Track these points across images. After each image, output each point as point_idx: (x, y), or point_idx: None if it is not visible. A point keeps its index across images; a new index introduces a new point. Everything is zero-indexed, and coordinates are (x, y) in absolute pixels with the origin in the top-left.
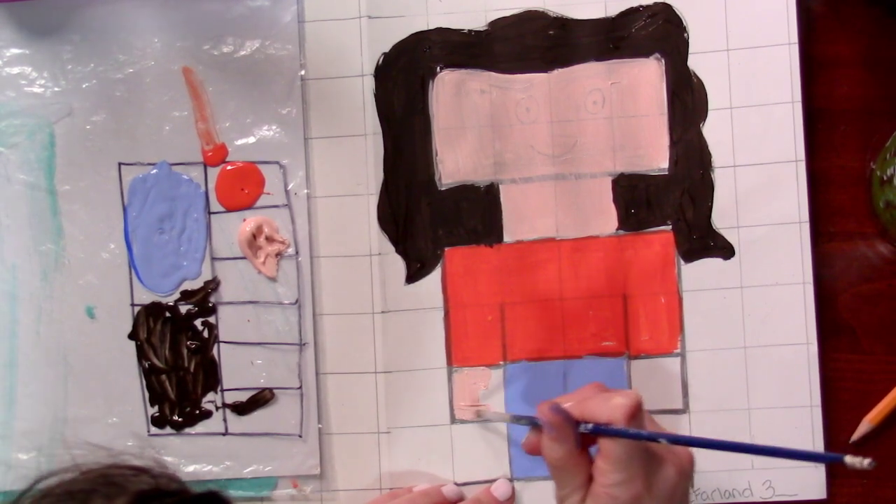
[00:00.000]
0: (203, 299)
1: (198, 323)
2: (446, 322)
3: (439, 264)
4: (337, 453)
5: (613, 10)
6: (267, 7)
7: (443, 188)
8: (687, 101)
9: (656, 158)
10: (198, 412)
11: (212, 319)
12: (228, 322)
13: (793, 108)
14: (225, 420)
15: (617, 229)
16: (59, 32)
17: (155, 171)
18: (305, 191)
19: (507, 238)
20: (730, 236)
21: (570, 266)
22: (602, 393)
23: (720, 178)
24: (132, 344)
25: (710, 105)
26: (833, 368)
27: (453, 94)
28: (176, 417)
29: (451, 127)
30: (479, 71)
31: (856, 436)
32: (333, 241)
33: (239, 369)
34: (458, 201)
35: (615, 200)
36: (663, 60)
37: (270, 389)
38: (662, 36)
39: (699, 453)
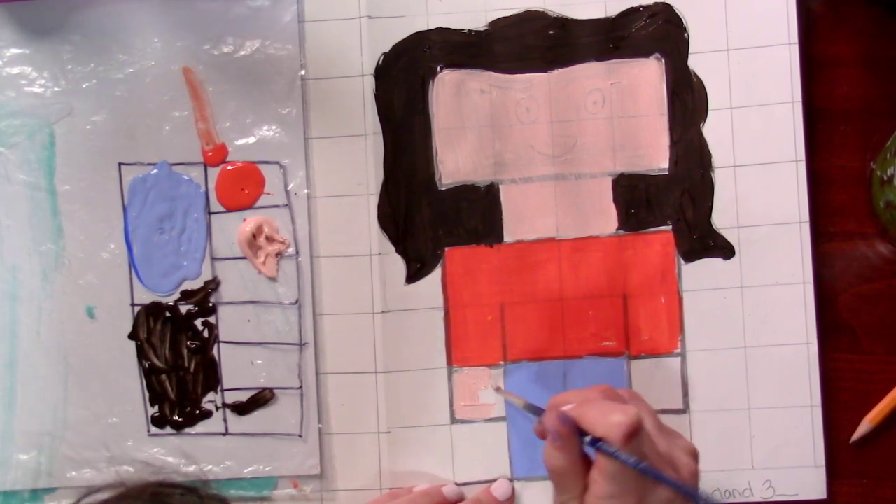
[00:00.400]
0: (203, 299)
1: (198, 323)
2: (446, 322)
3: (439, 264)
4: (337, 453)
5: (613, 10)
6: (267, 7)
7: (443, 188)
8: (687, 101)
9: (656, 158)
10: (198, 412)
11: (212, 319)
12: (228, 322)
13: (793, 108)
14: (225, 420)
15: (617, 229)
16: (60, 32)
17: (155, 171)
18: (305, 191)
19: (507, 238)
20: (730, 236)
21: (570, 266)
22: (603, 402)
23: (720, 178)
24: (132, 344)
25: (711, 105)
26: (833, 368)
27: (453, 94)
28: (176, 417)
29: (451, 127)
30: (479, 71)
31: (856, 436)
32: (333, 241)
33: (239, 369)
34: (458, 201)
35: (615, 200)
36: (663, 60)
37: (270, 389)
38: (662, 36)
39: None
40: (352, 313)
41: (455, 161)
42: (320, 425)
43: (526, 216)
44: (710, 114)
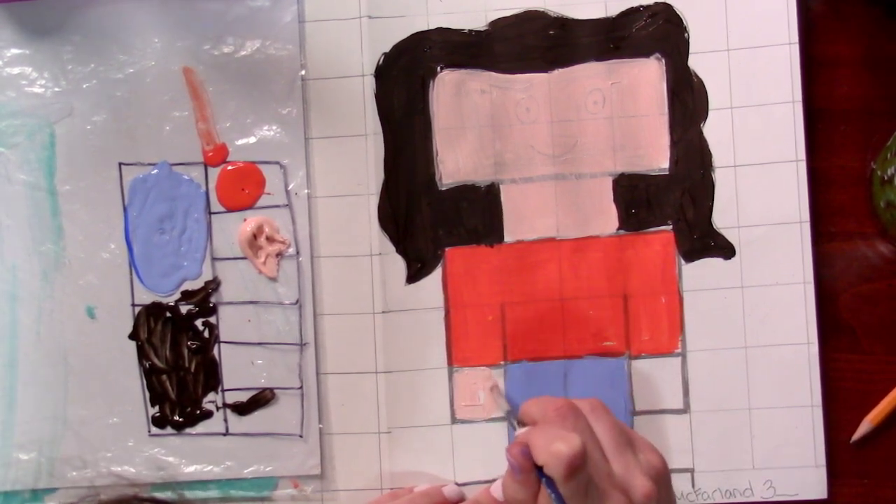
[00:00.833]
0: (203, 299)
1: (198, 323)
2: (447, 322)
3: (440, 264)
4: (337, 453)
5: (613, 10)
6: (267, 7)
7: (443, 188)
8: (687, 101)
9: (657, 158)
10: (198, 412)
11: (212, 319)
12: (229, 322)
13: (793, 108)
14: (225, 420)
15: (617, 229)
16: (60, 32)
17: (155, 171)
18: (306, 191)
19: (507, 238)
20: (730, 236)
21: (570, 266)
22: (549, 428)
23: (720, 178)
24: (132, 344)
25: (711, 105)
26: (833, 368)
27: (453, 94)
28: (176, 417)
29: (451, 127)
30: (479, 71)
31: (856, 436)
32: (334, 241)
33: (239, 369)
34: (459, 201)
35: (615, 200)
36: (663, 60)
37: (271, 389)
38: (663, 36)
39: (699, 453)
40: (352, 313)
41: (455, 161)
42: (321, 425)
43: (526, 216)
44: (711, 114)
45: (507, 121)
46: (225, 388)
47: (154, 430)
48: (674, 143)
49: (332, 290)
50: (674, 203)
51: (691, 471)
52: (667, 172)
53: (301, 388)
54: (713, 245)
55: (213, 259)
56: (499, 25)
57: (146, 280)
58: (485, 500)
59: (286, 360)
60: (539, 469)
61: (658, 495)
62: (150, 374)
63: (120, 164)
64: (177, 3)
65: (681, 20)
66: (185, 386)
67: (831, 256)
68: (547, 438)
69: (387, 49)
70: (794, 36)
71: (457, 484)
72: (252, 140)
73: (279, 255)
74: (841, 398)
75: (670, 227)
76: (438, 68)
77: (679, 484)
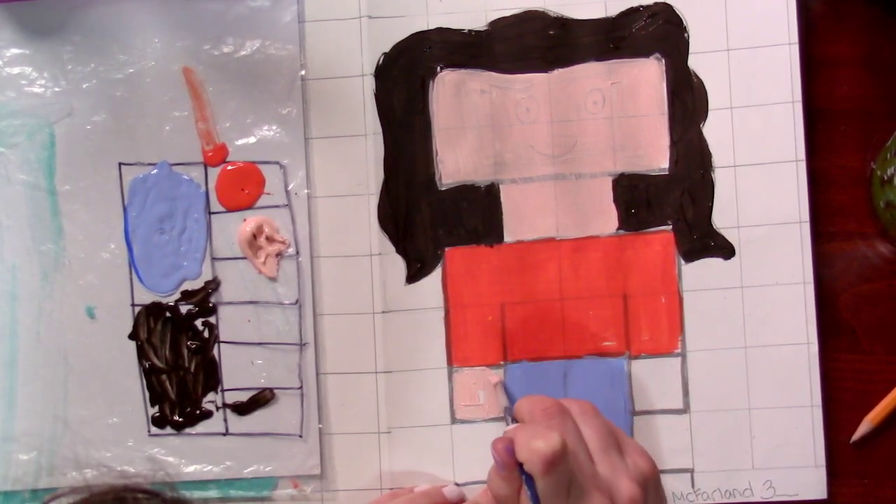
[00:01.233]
0: (203, 299)
1: (198, 323)
2: (446, 322)
3: (439, 264)
4: (337, 453)
5: (613, 10)
6: (267, 7)
7: (443, 188)
8: (687, 101)
9: (656, 158)
10: (198, 412)
11: (212, 319)
12: (229, 322)
13: (793, 108)
14: (225, 420)
15: (617, 229)
16: (60, 32)
17: (155, 171)
18: (306, 191)
19: (507, 238)
20: (730, 236)
21: (570, 266)
22: (534, 426)
23: (720, 178)
24: (132, 344)
25: (711, 105)
26: (833, 368)
27: (453, 94)
28: (176, 417)
29: (451, 127)
30: (479, 71)
31: (856, 436)
32: (333, 241)
33: (239, 369)
34: (458, 201)
35: (615, 200)
36: (663, 60)
37: (271, 389)
38: (662, 36)
39: (699, 453)
40: (352, 313)
41: (455, 161)
42: (320, 425)
43: (526, 216)
44: (710, 114)
45: (507, 121)
46: (225, 388)
47: (154, 430)
48: (674, 143)
49: (332, 290)
50: (674, 203)
51: (691, 471)
52: (667, 172)
53: (301, 388)
54: (713, 245)
55: (213, 259)
56: (499, 25)
57: (146, 280)
58: (484, 501)
59: (286, 360)
60: (521, 468)
61: (644, 499)
62: (150, 374)
63: (120, 164)
64: (177, 3)
65: (681, 20)
66: (185, 386)
67: (831, 256)
68: (528, 435)
69: (387, 49)
70: (794, 36)
71: (456, 484)
72: (252, 140)
73: (279, 255)
74: (841, 398)
75: (670, 227)
76: (438, 68)
77: (679, 484)
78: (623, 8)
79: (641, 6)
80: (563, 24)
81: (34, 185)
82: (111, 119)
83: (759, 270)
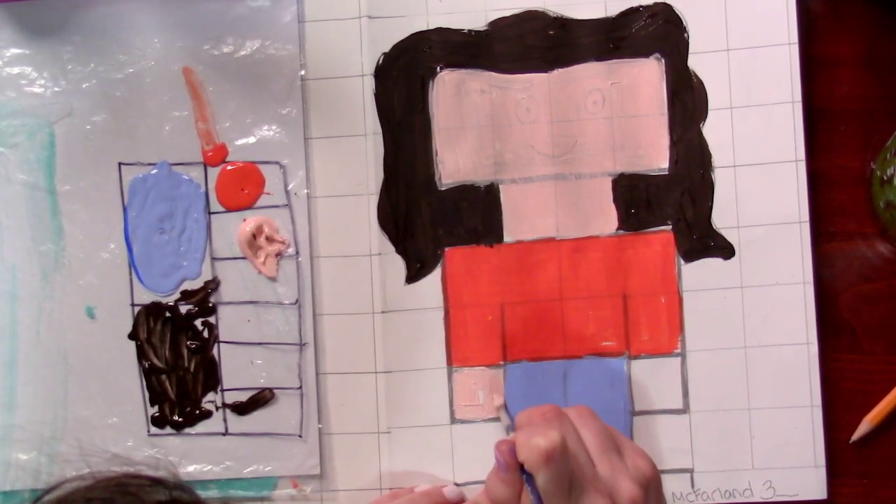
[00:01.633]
0: (203, 299)
1: (198, 323)
2: (446, 322)
3: (439, 264)
4: (337, 453)
5: (613, 10)
6: (267, 7)
7: (443, 188)
8: (687, 101)
9: (656, 158)
10: (198, 412)
11: (212, 319)
12: (228, 322)
13: (793, 108)
14: (225, 420)
15: (617, 229)
16: (60, 32)
17: (155, 171)
18: (305, 191)
19: (507, 238)
20: (730, 236)
21: (570, 266)
22: (532, 426)
23: (720, 178)
24: (132, 344)
25: (710, 105)
26: (833, 368)
27: (453, 94)
28: (176, 417)
29: (451, 127)
30: (479, 71)
31: (856, 436)
32: (333, 241)
33: (239, 369)
34: (458, 201)
35: (615, 200)
36: (663, 60)
37: (270, 389)
38: (662, 36)
39: (699, 453)
40: (352, 313)
41: (455, 161)
42: (320, 425)
43: (526, 216)
44: (710, 114)
45: (506, 121)
46: (224, 387)
47: (153, 429)
48: (673, 143)
49: (332, 290)
50: (673, 203)
51: (691, 471)
52: (666, 172)
53: (300, 388)
54: (713, 245)
55: (213, 259)
56: (499, 25)
57: (146, 280)
58: (484, 501)
59: (286, 360)
60: (523, 469)
61: (645, 500)
62: (150, 374)
63: (120, 164)
64: (177, 3)
65: (680, 20)
66: (185, 386)
67: (831, 256)
68: (528, 435)
69: (387, 49)
70: (794, 36)
71: (456, 484)
72: (252, 140)
73: (279, 255)
74: (841, 398)
75: (670, 227)
76: (438, 68)
77: (679, 484)
78: (623, 8)
79: (641, 6)
80: (563, 24)
81: (34, 185)
82: (111, 119)
83: (759, 270)
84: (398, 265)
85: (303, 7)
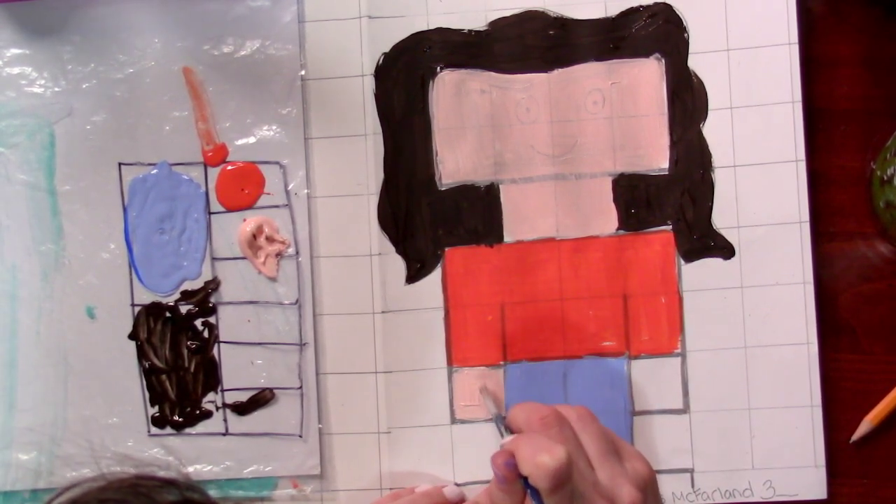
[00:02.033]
0: (203, 299)
1: (198, 323)
2: (446, 322)
3: (439, 264)
4: (337, 453)
5: (613, 10)
6: (267, 7)
7: (443, 188)
8: (687, 101)
9: (656, 158)
10: (198, 412)
11: (212, 319)
12: (228, 322)
13: (793, 108)
14: (225, 420)
15: (617, 229)
16: (60, 32)
17: (155, 171)
18: (305, 191)
19: (507, 238)
20: (730, 236)
21: (570, 266)
22: (537, 437)
23: (720, 178)
24: (132, 344)
25: (710, 105)
26: (833, 368)
27: (453, 94)
28: (176, 417)
29: (451, 127)
30: (479, 71)
31: (856, 436)
32: (333, 241)
33: (239, 369)
34: (458, 201)
35: (615, 200)
36: (663, 60)
37: (271, 389)
38: (662, 36)
39: (699, 453)
40: (352, 313)
41: (455, 161)
42: (320, 425)
43: (526, 216)
44: (710, 114)
45: (506, 121)
46: (224, 388)
47: (154, 430)
48: (673, 143)
49: (332, 290)
50: (673, 203)
51: (691, 471)
52: (666, 172)
53: (301, 388)
54: (713, 245)
55: (213, 259)
56: (499, 25)
57: (146, 280)
58: (485, 502)
59: (286, 360)
60: (524, 478)
61: (644, 503)
62: (150, 374)
63: (120, 164)
64: (177, 3)
65: (681, 20)
66: (185, 386)
67: (831, 256)
68: (532, 449)
69: (387, 49)
70: (794, 36)
71: (456, 484)
72: (252, 140)
73: (279, 255)
74: (841, 398)
75: (670, 227)
76: (438, 68)
77: (679, 484)
78: (623, 8)
79: (641, 6)
80: (563, 24)
81: (34, 185)
82: (111, 119)
83: (759, 270)
84: (398, 265)
85: (303, 7)
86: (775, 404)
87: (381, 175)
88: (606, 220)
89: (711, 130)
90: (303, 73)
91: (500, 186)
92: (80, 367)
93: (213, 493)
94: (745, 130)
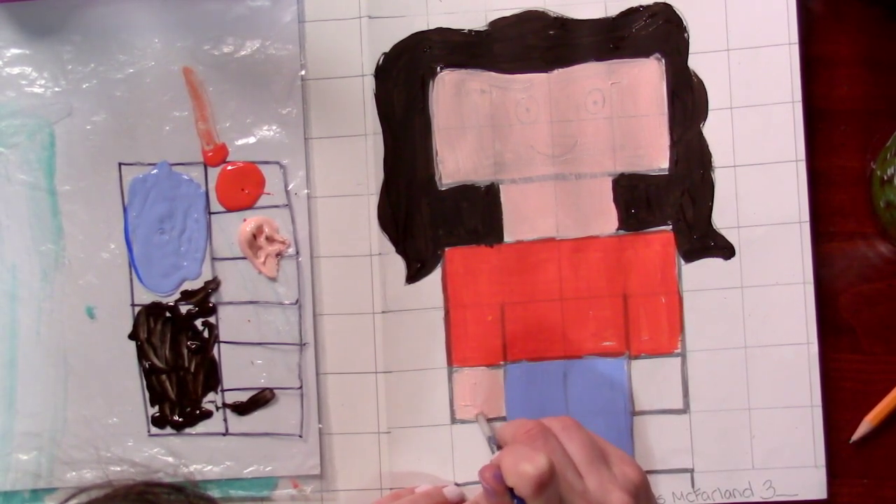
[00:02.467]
0: (203, 299)
1: (198, 323)
2: (446, 322)
3: (439, 264)
4: (337, 453)
5: (613, 10)
6: (267, 7)
7: (443, 188)
8: (687, 101)
9: (656, 158)
10: (198, 412)
11: (212, 319)
12: (229, 322)
13: (793, 108)
14: (225, 420)
15: (617, 229)
16: (60, 32)
17: (155, 171)
18: (305, 191)
19: (507, 238)
20: (730, 236)
21: (570, 266)
22: (519, 448)
23: (720, 178)
24: (132, 344)
25: (710, 105)
26: (833, 368)
27: (453, 94)
28: (176, 417)
29: (451, 127)
30: (479, 71)
31: (856, 436)
32: (333, 241)
33: (239, 369)
34: (458, 201)
35: (615, 200)
36: (663, 60)
37: (271, 389)
38: (662, 36)
39: (699, 453)
40: (352, 313)
41: (455, 161)
42: (320, 425)
43: (526, 216)
44: (710, 114)
45: (507, 121)
46: (225, 388)
47: (154, 430)
48: (674, 143)
49: (332, 290)
50: (674, 203)
51: (691, 471)
52: (666, 172)
53: (301, 388)
54: (713, 245)
55: (213, 259)
56: (499, 25)
57: (146, 280)
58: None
59: (286, 360)
60: (512, 490)
61: None
62: (150, 374)
63: (120, 164)
64: (177, 3)
65: (681, 20)
66: (185, 386)
67: (831, 256)
68: (514, 459)
69: (387, 49)
70: (794, 36)
71: (456, 484)
72: (252, 140)
73: (279, 255)
74: (841, 398)
75: (670, 227)
76: (438, 68)
77: (679, 484)
78: (623, 8)
79: (641, 6)
80: (563, 24)
81: (34, 185)
82: (111, 119)
83: (759, 270)
84: (398, 265)
85: (303, 7)
86: (775, 404)
87: (381, 175)
88: (606, 220)
89: (711, 130)
90: (303, 73)
91: (500, 186)
92: (80, 367)
93: (213, 493)
94: (745, 130)
